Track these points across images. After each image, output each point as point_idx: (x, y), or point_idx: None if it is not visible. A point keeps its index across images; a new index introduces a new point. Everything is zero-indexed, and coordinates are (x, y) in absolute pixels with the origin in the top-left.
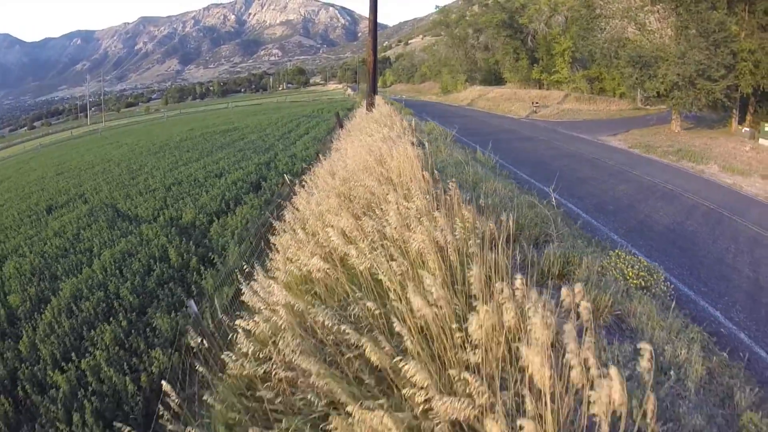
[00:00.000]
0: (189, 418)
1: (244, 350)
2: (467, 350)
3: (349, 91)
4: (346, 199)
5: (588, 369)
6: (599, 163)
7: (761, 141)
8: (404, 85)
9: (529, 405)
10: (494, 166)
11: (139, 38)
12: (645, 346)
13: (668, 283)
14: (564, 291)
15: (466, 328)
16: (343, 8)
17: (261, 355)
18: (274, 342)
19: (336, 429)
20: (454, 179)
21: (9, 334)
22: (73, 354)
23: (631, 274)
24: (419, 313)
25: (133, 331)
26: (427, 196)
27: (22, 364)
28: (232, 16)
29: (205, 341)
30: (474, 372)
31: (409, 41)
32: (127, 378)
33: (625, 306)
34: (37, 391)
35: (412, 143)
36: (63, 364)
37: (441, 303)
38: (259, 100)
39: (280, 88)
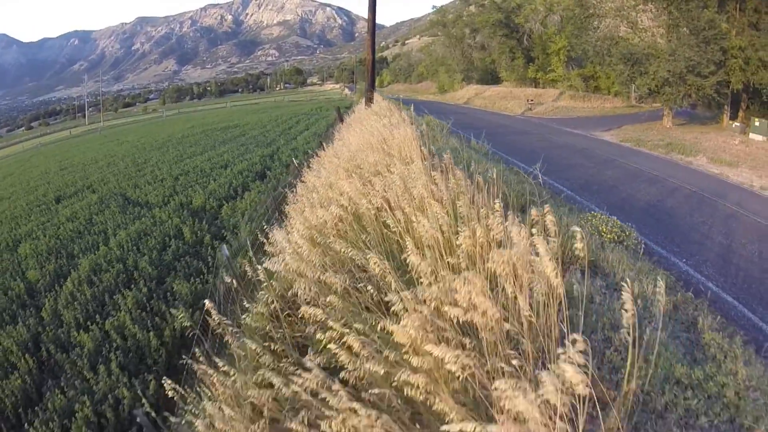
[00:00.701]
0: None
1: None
2: (458, 257)
3: (347, 90)
4: (353, 172)
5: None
6: (588, 153)
7: (752, 135)
8: (401, 85)
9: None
10: (487, 153)
11: (137, 38)
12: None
13: (641, 240)
14: (533, 212)
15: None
16: (340, 8)
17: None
18: (298, 274)
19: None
20: (449, 152)
21: (29, 304)
22: (96, 316)
23: (605, 230)
24: (425, 234)
25: (154, 296)
26: (425, 162)
27: (45, 328)
28: (229, 17)
29: (235, 282)
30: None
31: (406, 41)
32: (151, 334)
33: (599, 254)
34: (61, 352)
35: (411, 125)
36: (86, 326)
37: (443, 226)
38: (256, 99)
39: (277, 89)
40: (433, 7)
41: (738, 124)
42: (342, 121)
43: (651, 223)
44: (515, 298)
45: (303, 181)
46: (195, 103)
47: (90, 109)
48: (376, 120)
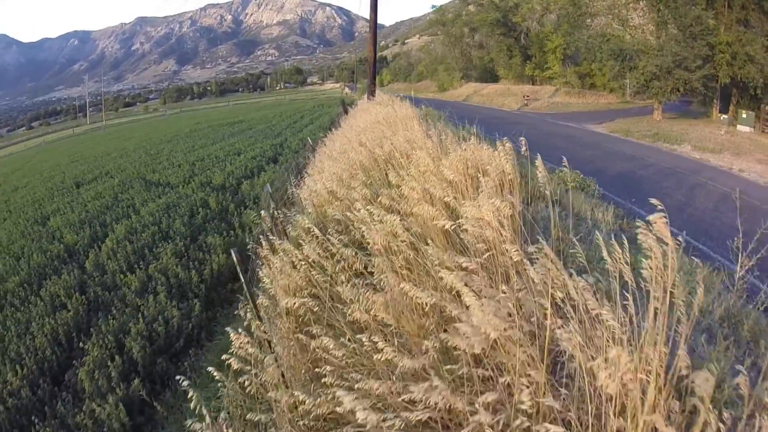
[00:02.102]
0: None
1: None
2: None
3: (347, 90)
4: (363, 144)
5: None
6: (575, 139)
7: (739, 127)
8: (401, 84)
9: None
10: (478, 135)
11: (136, 39)
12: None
13: (600, 190)
14: (498, 142)
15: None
16: (340, 8)
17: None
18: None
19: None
20: (441, 123)
21: (69, 261)
22: (140, 262)
23: (569, 179)
24: (420, 162)
25: (190, 247)
26: (422, 127)
27: (90, 276)
28: (229, 17)
29: (271, 219)
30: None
31: (406, 41)
32: (193, 272)
33: (563, 197)
34: (108, 292)
35: (411, 106)
36: (131, 269)
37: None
38: (257, 99)
39: (277, 88)
40: (433, 6)
41: (726, 116)
42: (346, 112)
43: (618, 186)
44: (480, 172)
45: (318, 154)
46: (196, 103)
47: (90, 109)
48: (380, 108)
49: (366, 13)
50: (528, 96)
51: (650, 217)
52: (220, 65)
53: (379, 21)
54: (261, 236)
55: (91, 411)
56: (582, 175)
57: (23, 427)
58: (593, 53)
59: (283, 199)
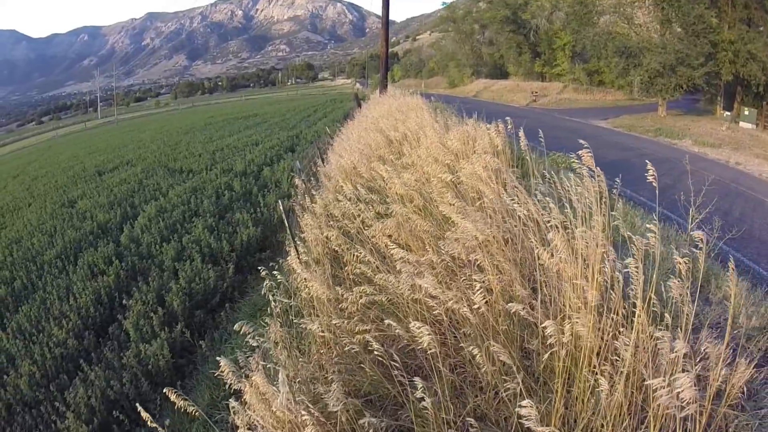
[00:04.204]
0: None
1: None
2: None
3: (358, 86)
4: (379, 130)
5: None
6: (578, 132)
7: (741, 124)
8: (413, 80)
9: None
10: (477, 120)
11: (146, 34)
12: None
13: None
14: (491, 125)
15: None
16: (351, 4)
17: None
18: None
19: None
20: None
21: (103, 236)
22: (173, 235)
23: (560, 161)
24: (428, 136)
25: (220, 222)
26: (431, 114)
27: (127, 247)
28: (240, 12)
29: (304, 184)
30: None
31: (417, 37)
32: (224, 242)
33: (552, 175)
34: (145, 260)
35: (421, 96)
36: (168, 240)
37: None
38: (269, 94)
39: (288, 83)
40: (443, 2)
41: (728, 113)
42: (360, 106)
43: (608, 170)
44: (474, 142)
45: (337, 140)
46: (207, 98)
47: (101, 103)
48: (392, 100)
49: (377, 9)
50: (536, 92)
51: (580, 152)
52: (230, 61)
53: (391, 17)
54: (296, 196)
55: (137, 353)
56: (574, 159)
57: (70, 372)
58: (599, 50)
59: (309, 175)
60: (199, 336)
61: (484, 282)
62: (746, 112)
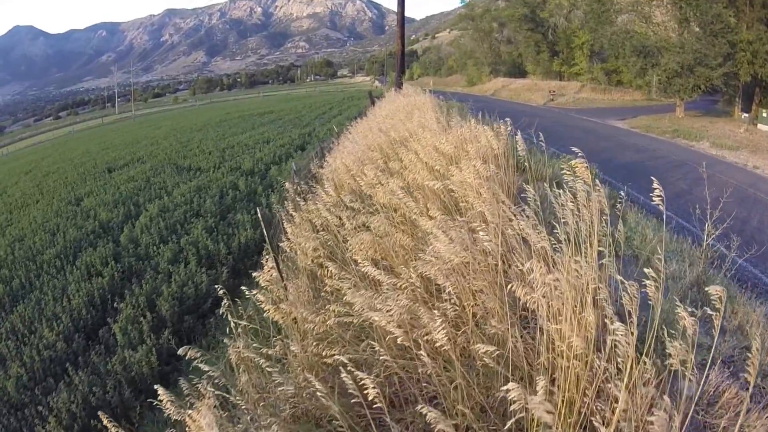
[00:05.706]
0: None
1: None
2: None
3: (377, 83)
4: (382, 130)
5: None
6: (594, 132)
7: (760, 126)
8: (431, 78)
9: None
10: (479, 119)
11: (165, 30)
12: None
13: (601, 174)
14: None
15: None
16: (371, 1)
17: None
18: (347, 168)
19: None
20: (454, 109)
21: (104, 236)
22: (172, 236)
23: (565, 165)
24: (424, 139)
25: (220, 223)
26: (436, 113)
27: (125, 248)
28: (259, 9)
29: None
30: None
31: (437, 35)
32: (221, 245)
33: (559, 176)
34: (142, 262)
35: (431, 96)
36: (165, 242)
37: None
38: (287, 90)
39: (307, 80)
40: (462, 1)
41: (746, 115)
42: (373, 103)
43: (621, 173)
44: (470, 145)
45: (341, 140)
46: (226, 94)
47: (119, 99)
48: (403, 99)
49: (396, 6)
50: (554, 91)
51: (572, 161)
52: (249, 57)
53: (410, 15)
54: (286, 201)
55: (123, 359)
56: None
57: (57, 375)
58: (617, 49)
59: (306, 177)
60: (187, 342)
61: (450, 313)
62: (765, 114)
